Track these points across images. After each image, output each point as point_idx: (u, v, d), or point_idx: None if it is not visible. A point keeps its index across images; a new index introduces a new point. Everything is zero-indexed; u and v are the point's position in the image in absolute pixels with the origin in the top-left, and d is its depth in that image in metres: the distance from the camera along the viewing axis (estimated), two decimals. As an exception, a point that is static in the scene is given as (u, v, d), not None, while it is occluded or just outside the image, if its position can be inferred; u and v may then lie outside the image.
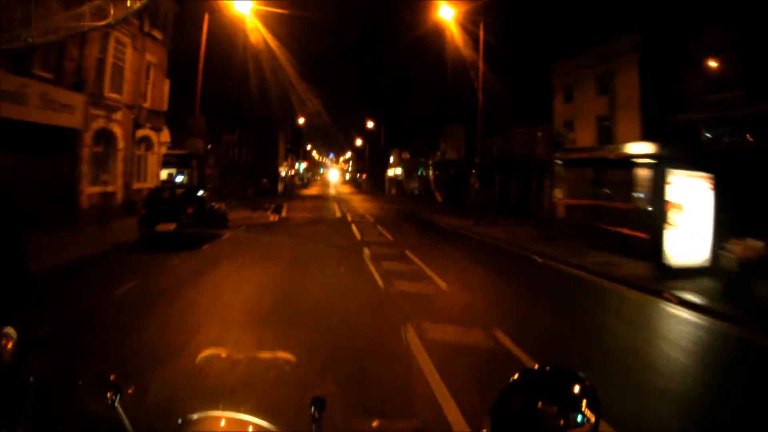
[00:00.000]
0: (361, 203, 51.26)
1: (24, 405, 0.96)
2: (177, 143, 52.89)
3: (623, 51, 28.90)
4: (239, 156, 65.26)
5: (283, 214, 31.79)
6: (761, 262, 10.95)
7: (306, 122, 72.84)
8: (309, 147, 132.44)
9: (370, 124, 68.43)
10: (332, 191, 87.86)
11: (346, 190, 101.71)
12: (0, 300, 0.98)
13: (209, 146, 56.00)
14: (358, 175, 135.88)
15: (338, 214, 32.78)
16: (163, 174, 52.48)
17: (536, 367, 1.22)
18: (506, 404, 1.12)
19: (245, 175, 67.54)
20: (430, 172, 69.45)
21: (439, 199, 65.90)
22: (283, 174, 78.78)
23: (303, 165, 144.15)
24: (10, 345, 0.94)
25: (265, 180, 66.07)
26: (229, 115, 59.97)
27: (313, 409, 1.49)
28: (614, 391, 5.90)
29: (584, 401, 1.03)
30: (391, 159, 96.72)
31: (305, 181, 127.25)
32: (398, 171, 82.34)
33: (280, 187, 72.34)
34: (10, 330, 0.95)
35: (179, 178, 52.24)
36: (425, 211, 39.24)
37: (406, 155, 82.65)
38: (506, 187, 45.99)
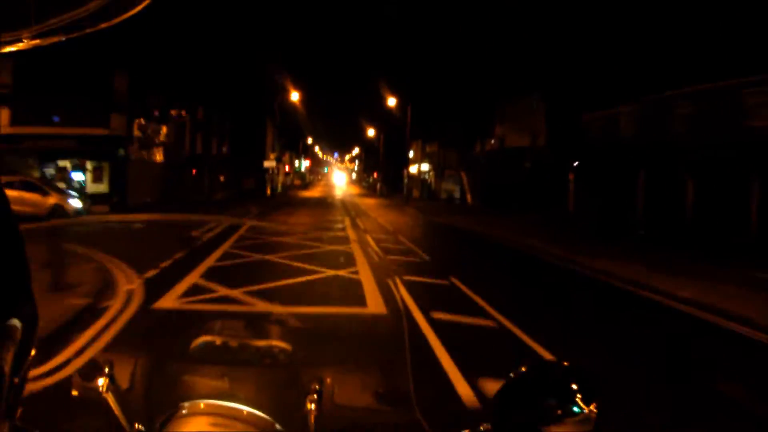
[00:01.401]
0: (389, 216, 29.23)
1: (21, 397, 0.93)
2: (78, 117, 31.08)
3: None
4: (205, 146, 43.37)
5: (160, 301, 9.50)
6: None
7: (302, 98, 50.98)
8: (310, 141, 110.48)
9: (391, 102, 46.62)
10: (338, 194, 65.92)
11: (354, 191, 79.87)
12: (4, 291, 0.92)
13: (139, 122, 34.08)
14: (368, 174, 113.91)
15: (374, 297, 8.76)
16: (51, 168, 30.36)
17: (542, 361, 1.20)
18: (511, 397, 1.12)
19: (216, 173, 45.69)
20: (463, 172, 47.63)
21: (469, 201, 44.36)
22: (273, 171, 56.93)
23: (305, 162, 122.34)
24: (17, 337, 0.90)
25: (223, 178, 44.08)
26: (187, 84, 38.24)
27: (308, 402, 1.37)
28: None
29: (579, 395, 1.04)
30: (411, 153, 74.81)
31: (306, 181, 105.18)
32: (425, 167, 60.40)
33: (275, 188, 50.61)
34: (15, 322, 0.90)
35: (77, 177, 30.40)
36: (541, 241, 17.22)
37: (432, 147, 60.87)
38: (661, 194, 24.07)
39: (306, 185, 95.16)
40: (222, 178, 47.36)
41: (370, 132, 75.29)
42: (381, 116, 71.96)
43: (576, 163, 30.84)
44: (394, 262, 12.36)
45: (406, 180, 62.76)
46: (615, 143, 28.03)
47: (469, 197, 46.78)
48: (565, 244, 17.40)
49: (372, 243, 15.41)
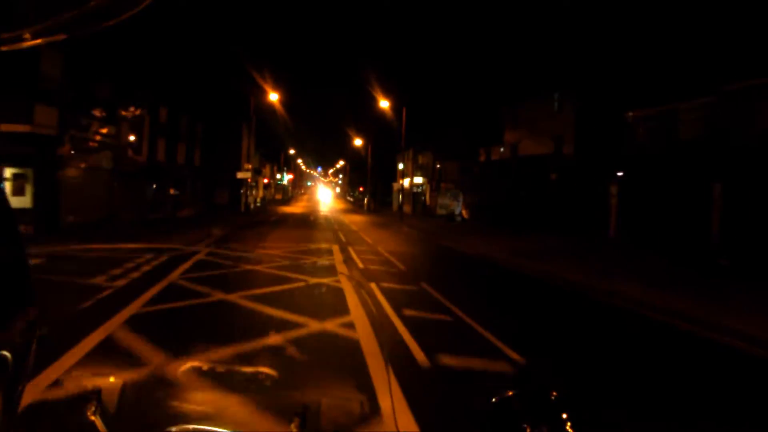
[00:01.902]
0: (389, 240, 22.73)
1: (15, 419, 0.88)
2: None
3: None
4: (169, 153, 36.68)
5: None
6: None
7: (284, 104, 44.58)
8: (293, 152, 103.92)
9: (383, 104, 40.19)
10: (322, 209, 59.27)
11: (339, 206, 73.29)
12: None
13: (76, 118, 27.06)
14: (352, 189, 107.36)
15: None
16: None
17: (521, 390, 1.19)
18: (499, 423, 1.10)
19: (182, 186, 38.95)
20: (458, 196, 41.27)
21: (465, 215, 38.42)
22: (251, 184, 50.19)
23: (287, 176, 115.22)
24: (7, 369, 0.89)
25: (191, 191, 37.30)
26: (146, 77, 31.78)
27: (293, 425, 1.34)
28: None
29: (569, 423, 1.04)
30: (400, 165, 68.61)
31: (289, 195, 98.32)
32: (418, 180, 54.07)
33: (252, 203, 43.66)
34: (6, 353, 0.89)
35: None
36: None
37: (426, 158, 54.64)
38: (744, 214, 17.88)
39: (288, 200, 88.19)
40: (189, 192, 40.54)
41: (357, 142, 68.96)
42: (369, 124, 65.77)
43: (620, 174, 24.67)
44: (451, 372, 5.79)
45: (400, 196, 56.52)
46: (675, 148, 21.92)
47: (465, 212, 40.61)
48: (674, 292, 11.08)
49: (387, 307, 8.82)
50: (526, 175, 31.75)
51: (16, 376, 0.94)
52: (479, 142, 40.25)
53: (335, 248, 17.94)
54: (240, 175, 37.18)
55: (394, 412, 4.38)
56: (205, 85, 40.97)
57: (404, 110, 39.53)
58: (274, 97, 38.08)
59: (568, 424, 1.03)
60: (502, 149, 36.80)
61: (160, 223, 28.93)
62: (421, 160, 56.88)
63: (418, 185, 54.42)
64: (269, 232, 24.75)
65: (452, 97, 44.20)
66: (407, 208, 56.24)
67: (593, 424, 3.97)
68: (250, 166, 38.16)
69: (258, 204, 58.25)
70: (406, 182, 59.65)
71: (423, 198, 53.96)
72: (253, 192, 57.23)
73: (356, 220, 39.83)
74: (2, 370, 0.86)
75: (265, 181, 55.94)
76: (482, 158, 39.70)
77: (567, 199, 27.80)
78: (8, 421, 0.87)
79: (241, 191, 43.48)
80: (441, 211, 49.47)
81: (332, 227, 29.74)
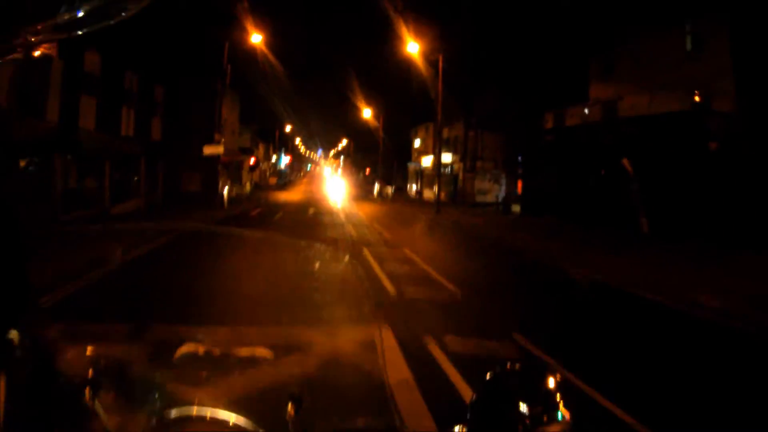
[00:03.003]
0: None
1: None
2: None
3: None
4: (105, 121, 24.99)
5: None
6: None
7: (276, 75, 33.25)
8: (289, 128, 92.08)
9: (413, 49, 28.36)
10: (327, 197, 47.29)
11: (345, 191, 61.12)
12: (3, 303, 0.94)
13: None
14: (357, 170, 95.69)
15: None
16: None
17: (517, 366, 1.23)
18: (487, 402, 1.12)
19: (127, 168, 27.50)
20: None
21: (502, 210, 27.09)
22: (232, 164, 38.62)
23: (285, 158, 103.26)
24: (15, 351, 0.93)
25: (143, 176, 24.92)
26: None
27: (289, 406, 1.34)
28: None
29: (561, 402, 1.05)
30: (417, 142, 56.97)
31: (285, 179, 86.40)
32: (446, 159, 42.35)
33: (226, 191, 31.71)
34: (14, 334, 0.92)
35: None
36: None
37: (456, 130, 42.91)
38: None
39: (284, 184, 75.96)
40: (145, 175, 28.95)
41: (366, 114, 57.19)
42: (380, 89, 54.14)
43: None
44: None
45: (418, 179, 44.85)
46: None
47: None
48: None
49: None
50: (641, 145, 20.17)
51: (24, 363, 0.95)
52: (542, 104, 28.66)
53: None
54: (208, 150, 25.48)
55: None
56: (167, 33, 29.24)
57: (440, 59, 27.75)
58: (257, 38, 26.31)
59: (561, 403, 1.02)
60: (586, 110, 25.08)
61: (63, 229, 17.40)
62: (447, 133, 45.09)
63: (446, 164, 42.60)
64: (219, 260, 12.78)
65: (494, 44, 32.53)
66: (428, 194, 44.81)
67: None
68: (222, 138, 26.42)
69: (248, 190, 46.60)
70: (427, 161, 47.96)
71: (456, 181, 42.23)
72: (242, 177, 45.60)
73: (376, 213, 28.31)
74: (8, 353, 0.85)
75: (252, 161, 44.22)
76: (549, 124, 27.99)
77: (735, 184, 16.30)
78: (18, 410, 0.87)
79: (221, 172, 31.89)
80: (481, 198, 38.01)
81: (347, 235, 18.13)
